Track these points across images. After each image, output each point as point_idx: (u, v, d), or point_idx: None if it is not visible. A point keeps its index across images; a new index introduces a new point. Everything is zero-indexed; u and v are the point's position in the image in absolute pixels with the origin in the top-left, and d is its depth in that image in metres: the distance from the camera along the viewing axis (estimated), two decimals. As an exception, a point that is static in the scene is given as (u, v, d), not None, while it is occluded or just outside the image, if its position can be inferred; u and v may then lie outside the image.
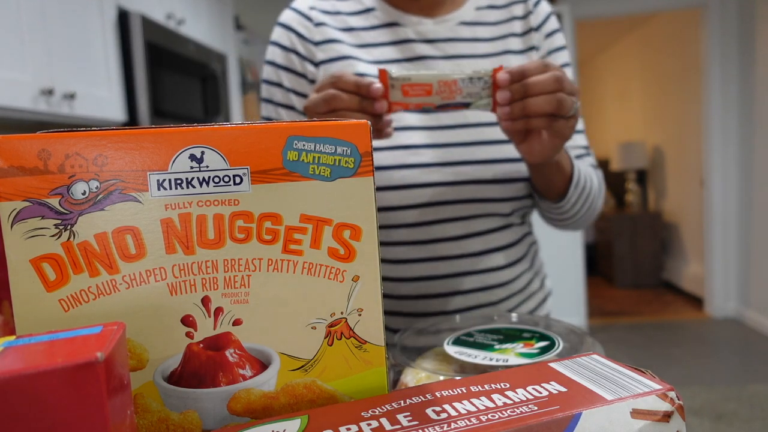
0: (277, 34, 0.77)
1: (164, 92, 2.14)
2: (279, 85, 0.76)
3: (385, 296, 0.75)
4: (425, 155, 0.71)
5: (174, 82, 2.21)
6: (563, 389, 0.27)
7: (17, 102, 1.53)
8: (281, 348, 0.30)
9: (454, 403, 0.27)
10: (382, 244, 0.74)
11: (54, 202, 0.27)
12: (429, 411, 0.26)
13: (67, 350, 0.21)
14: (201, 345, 0.29)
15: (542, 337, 0.46)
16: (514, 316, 0.55)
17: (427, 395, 0.28)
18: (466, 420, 0.25)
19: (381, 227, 0.73)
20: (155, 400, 0.29)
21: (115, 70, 1.98)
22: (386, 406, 0.27)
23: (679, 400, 0.26)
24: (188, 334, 0.29)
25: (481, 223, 0.73)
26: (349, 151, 0.30)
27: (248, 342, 0.30)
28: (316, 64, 0.74)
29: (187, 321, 0.29)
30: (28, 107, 1.57)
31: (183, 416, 0.30)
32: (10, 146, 0.27)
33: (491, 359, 0.42)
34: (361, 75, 0.72)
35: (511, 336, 0.47)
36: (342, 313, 0.31)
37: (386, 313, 0.75)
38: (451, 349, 0.45)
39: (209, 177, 0.29)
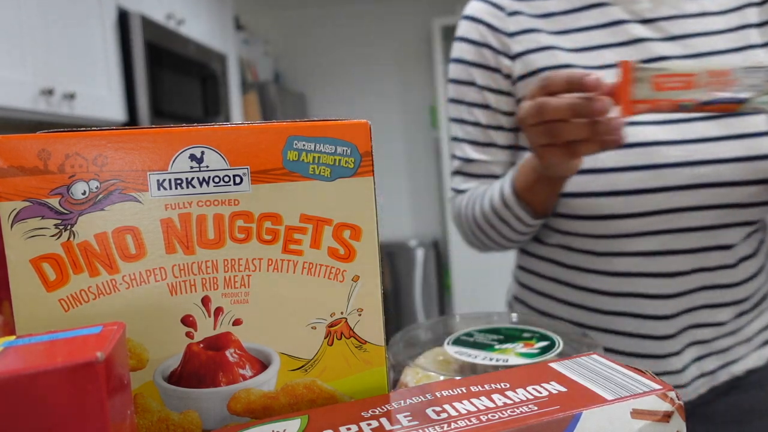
0: (464, 29, 0.70)
1: (164, 92, 2.14)
2: (471, 83, 0.70)
3: (598, 312, 0.67)
4: (659, 155, 0.60)
5: (174, 82, 2.21)
6: (563, 389, 0.27)
7: (17, 102, 1.53)
8: (281, 348, 0.30)
9: (454, 403, 0.27)
10: (605, 254, 0.65)
11: (54, 202, 0.27)
12: (429, 411, 0.26)
13: (67, 350, 0.21)
14: (201, 345, 0.29)
15: (542, 337, 0.46)
16: (514, 316, 0.55)
17: (427, 395, 0.28)
18: (466, 420, 0.25)
19: (603, 237, 0.64)
20: (155, 400, 0.29)
21: (115, 70, 1.98)
22: (386, 406, 0.27)
23: (678, 400, 0.26)
24: (188, 334, 0.29)
25: (725, 233, 0.62)
26: (349, 151, 0.30)
27: (248, 342, 0.30)
28: (512, 57, 0.67)
29: (187, 321, 0.29)
30: (28, 107, 1.57)
31: (183, 416, 0.30)
32: (10, 146, 0.27)
33: (491, 359, 0.42)
34: (566, 67, 0.64)
35: (511, 336, 0.47)
36: (342, 313, 0.31)
37: (598, 330, 0.67)
38: (451, 349, 0.45)
39: (209, 177, 0.29)
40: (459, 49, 0.71)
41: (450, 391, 0.28)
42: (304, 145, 0.30)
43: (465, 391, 0.28)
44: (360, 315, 0.31)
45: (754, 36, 0.63)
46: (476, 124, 0.72)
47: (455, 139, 0.74)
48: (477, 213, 0.69)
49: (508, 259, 3.25)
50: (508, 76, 0.69)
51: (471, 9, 0.71)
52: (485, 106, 0.70)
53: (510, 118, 0.71)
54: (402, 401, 0.28)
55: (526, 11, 0.68)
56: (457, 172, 0.75)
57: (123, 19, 2.01)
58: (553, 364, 0.31)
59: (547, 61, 0.65)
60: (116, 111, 1.98)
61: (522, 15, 0.68)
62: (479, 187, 0.72)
